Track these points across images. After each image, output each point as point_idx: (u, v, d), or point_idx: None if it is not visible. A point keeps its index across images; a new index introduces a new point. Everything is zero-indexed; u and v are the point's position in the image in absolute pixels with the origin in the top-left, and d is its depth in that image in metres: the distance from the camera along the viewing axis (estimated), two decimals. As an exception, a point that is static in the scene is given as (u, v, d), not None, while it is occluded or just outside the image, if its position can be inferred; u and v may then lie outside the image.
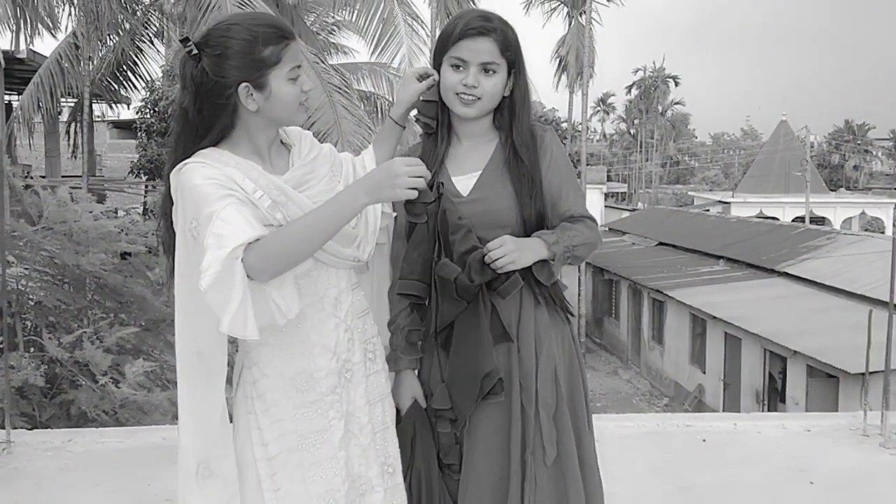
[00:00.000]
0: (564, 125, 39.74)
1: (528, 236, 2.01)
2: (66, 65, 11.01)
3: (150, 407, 5.87)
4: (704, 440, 4.12)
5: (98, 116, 28.90)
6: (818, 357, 12.40)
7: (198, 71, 1.72)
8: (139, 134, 19.46)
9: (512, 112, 2.06)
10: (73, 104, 14.27)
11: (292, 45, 1.76)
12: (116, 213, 7.88)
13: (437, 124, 2.12)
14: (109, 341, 5.99)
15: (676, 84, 59.02)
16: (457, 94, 2.00)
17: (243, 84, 1.72)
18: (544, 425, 1.98)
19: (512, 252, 1.90)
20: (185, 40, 1.74)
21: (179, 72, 1.77)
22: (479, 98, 1.99)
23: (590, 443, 2.08)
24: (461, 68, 1.99)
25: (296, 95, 1.78)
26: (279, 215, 1.74)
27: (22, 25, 8.64)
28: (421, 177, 1.73)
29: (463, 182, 2.06)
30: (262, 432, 1.79)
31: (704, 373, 16.97)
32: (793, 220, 32.55)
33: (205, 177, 1.68)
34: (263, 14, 1.82)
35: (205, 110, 1.73)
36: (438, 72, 2.06)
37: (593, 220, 2.11)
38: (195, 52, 1.72)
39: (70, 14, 11.12)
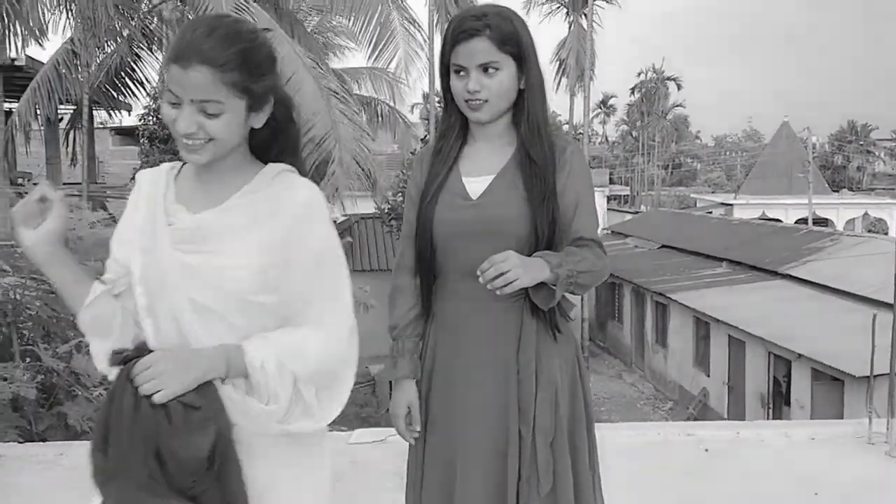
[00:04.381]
0: (566, 128, 39.66)
1: (534, 253, 1.87)
2: (64, 71, 10.96)
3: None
4: (707, 450, 4.05)
5: (101, 123, 28.90)
6: (823, 360, 12.32)
7: None
8: (141, 140, 19.45)
9: (523, 106, 1.95)
10: (72, 111, 14.24)
11: (173, 70, 1.44)
12: (115, 220, 7.82)
13: (451, 122, 2.02)
14: (106, 350, 5.94)
15: (679, 87, 58.89)
16: (465, 101, 1.92)
17: None
18: (540, 453, 1.89)
19: (516, 268, 1.72)
20: None
21: None
22: (486, 100, 1.90)
23: (587, 479, 1.99)
24: (463, 74, 1.91)
25: (170, 122, 1.47)
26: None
27: (10, 33, 8.60)
28: None
29: (474, 185, 1.95)
30: None
31: (709, 376, 16.89)
32: (796, 222, 32.43)
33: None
34: (184, 26, 1.54)
35: None
36: (447, 81, 1.96)
37: (602, 247, 1.98)
38: None
39: (68, 20, 11.08)
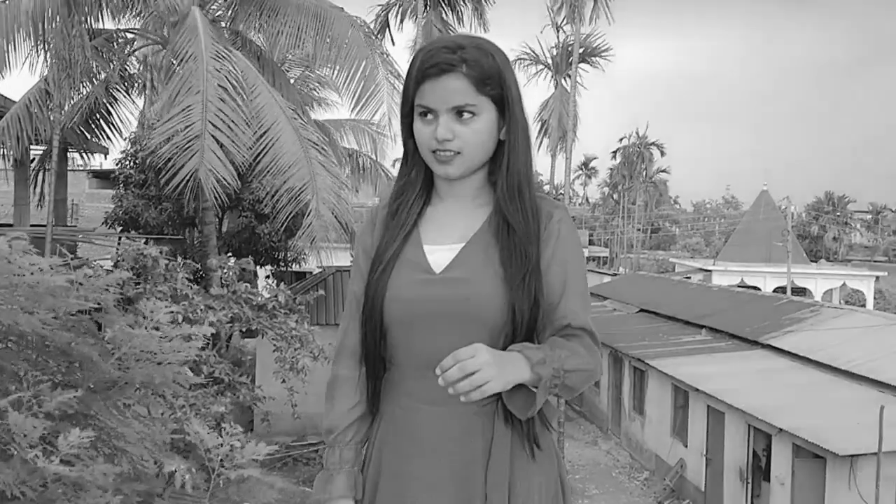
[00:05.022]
0: (547, 188, 39.78)
1: (511, 344, 1.49)
2: (35, 111, 10.65)
3: (89, 484, 5.39)
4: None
5: (80, 165, 28.57)
6: (804, 436, 11.96)
7: None
8: (117, 184, 19.12)
9: (502, 161, 1.59)
10: (42, 151, 13.90)
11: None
12: (69, 265, 7.43)
13: (412, 177, 1.65)
14: (49, 406, 5.53)
15: (662, 154, 59.49)
16: (432, 151, 1.56)
17: None
18: None
19: (487, 367, 1.34)
20: None
21: None
22: (458, 152, 1.54)
23: None
24: (431, 118, 1.55)
25: None
26: None
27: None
28: None
29: (438, 255, 1.59)
30: None
31: (686, 447, 16.47)
32: (774, 290, 32.42)
33: None
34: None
35: None
36: (410, 123, 1.59)
37: (596, 338, 1.59)
38: None
39: (44, 59, 10.80)
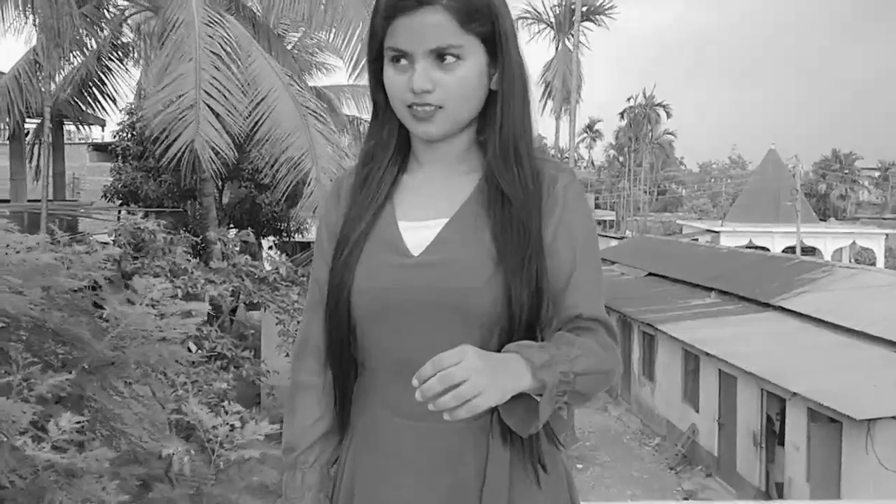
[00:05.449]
0: (552, 152, 39.37)
1: (507, 344, 1.18)
2: (25, 82, 10.33)
3: (81, 471, 5.20)
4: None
5: (81, 139, 28.15)
6: (819, 400, 11.75)
7: None
8: (115, 157, 18.83)
9: (494, 116, 1.28)
10: (36, 125, 13.61)
11: None
12: (58, 241, 7.21)
13: (384, 138, 1.34)
14: (41, 389, 5.34)
15: (669, 115, 58.76)
16: (407, 105, 1.24)
17: None
18: None
19: (477, 375, 1.05)
20: None
21: None
22: (439, 106, 1.22)
23: None
24: (404, 62, 1.23)
25: None
26: None
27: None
28: None
29: (416, 233, 1.28)
30: None
31: (698, 412, 16.31)
32: (783, 251, 32.11)
33: None
34: None
35: None
36: (379, 70, 1.27)
37: (613, 331, 1.29)
38: None
39: (32, 27, 10.48)
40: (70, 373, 5.94)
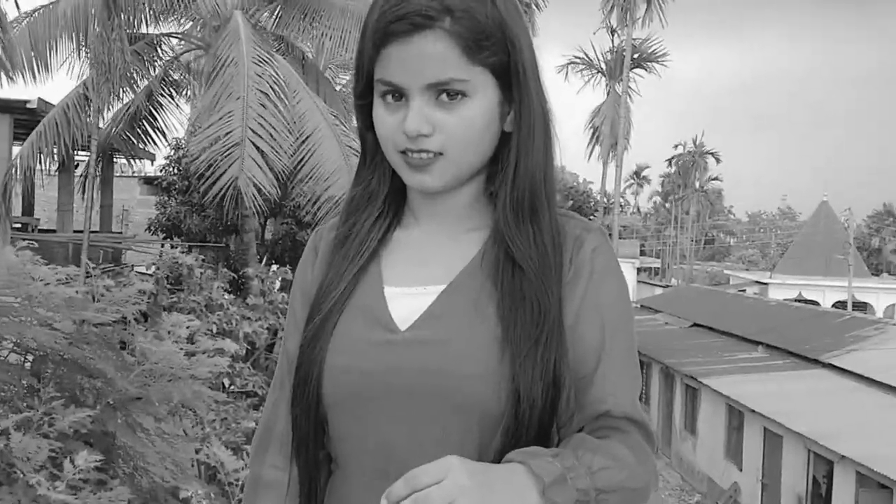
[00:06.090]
0: (598, 197, 39.17)
1: (513, 447, 0.94)
2: (73, 115, 10.56)
3: (95, 512, 5.12)
4: None
5: (135, 172, 28.87)
6: (869, 464, 11.28)
7: None
8: (160, 191, 19.16)
9: (507, 163, 1.05)
10: (88, 158, 13.92)
11: None
12: (89, 274, 7.24)
13: (372, 186, 1.11)
14: (62, 424, 5.29)
15: (718, 161, 58.15)
16: (400, 151, 1.02)
17: None
18: None
19: (464, 497, 0.81)
20: None
21: None
22: (438, 153, 1.00)
23: None
24: (396, 99, 1.01)
25: None
26: None
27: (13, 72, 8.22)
28: None
29: (405, 303, 1.05)
30: None
31: (741, 470, 15.79)
32: (833, 305, 31.34)
33: None
34: None
35: None
36: (368, 107, 1.06)
37: (649, 433, 1.03)
38: None
39: (82, 61, 10.75)
40: (95, 408, 5.87)
